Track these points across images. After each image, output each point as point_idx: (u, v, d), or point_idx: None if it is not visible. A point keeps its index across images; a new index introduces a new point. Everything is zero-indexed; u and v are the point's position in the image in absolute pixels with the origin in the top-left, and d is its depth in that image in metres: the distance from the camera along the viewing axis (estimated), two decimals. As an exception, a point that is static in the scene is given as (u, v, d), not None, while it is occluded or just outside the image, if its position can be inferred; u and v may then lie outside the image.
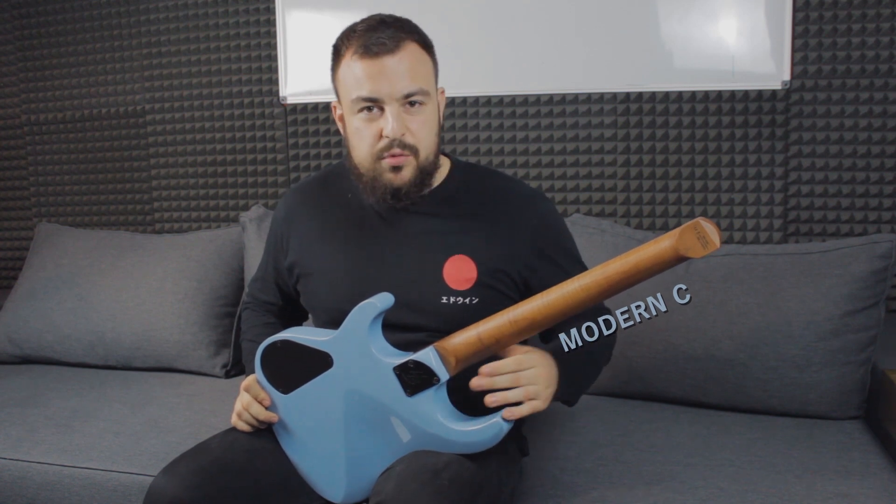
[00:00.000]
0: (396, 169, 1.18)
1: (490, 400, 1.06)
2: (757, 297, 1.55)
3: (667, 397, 1.63)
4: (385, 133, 1.15)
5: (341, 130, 1.26)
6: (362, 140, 1.18)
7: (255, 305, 1.44)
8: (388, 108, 1.15)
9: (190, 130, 2.36)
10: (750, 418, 1.53)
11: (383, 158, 1.17)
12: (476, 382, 1.07)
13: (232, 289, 2.02)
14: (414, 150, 1.17)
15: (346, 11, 2.10)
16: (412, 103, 1.16)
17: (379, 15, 1.19)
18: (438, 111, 1.23)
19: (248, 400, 1.21)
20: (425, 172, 1.20)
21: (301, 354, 1.17)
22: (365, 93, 1.15)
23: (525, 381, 1.07)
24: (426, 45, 1.20)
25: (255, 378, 1.22)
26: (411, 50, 1.16)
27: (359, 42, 1.15)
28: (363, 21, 1.18)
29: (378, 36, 1.14)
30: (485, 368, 1.07)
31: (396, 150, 1.16)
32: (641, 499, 1.23)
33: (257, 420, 1.21)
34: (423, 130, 1.18)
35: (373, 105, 1.15)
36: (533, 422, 1.53)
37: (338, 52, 1.19)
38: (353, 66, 1.15)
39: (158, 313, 1.96)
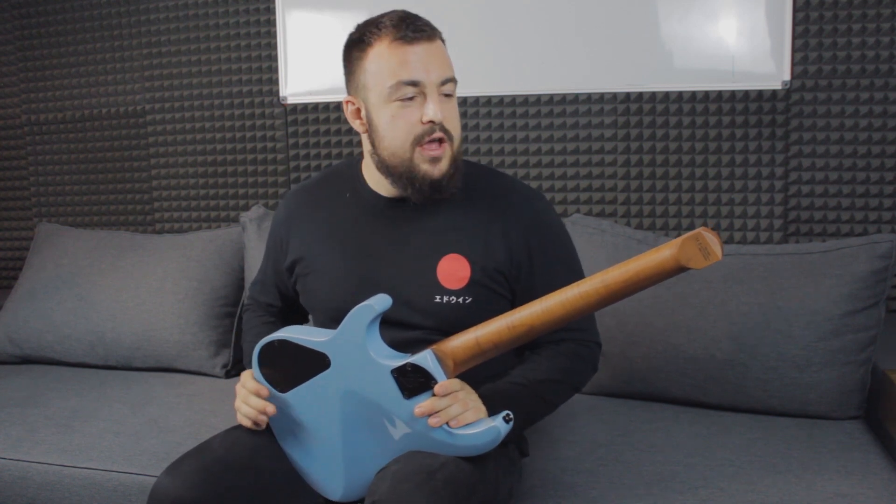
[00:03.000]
0: (435, 160, 1.17)
1: (434, 421, 1.06)
2: (757, 297, 1.55)
3: (667, 397, 1.63)
4: (429, 118, 1.15)
5: (357, 127, 1.24)
6: (398, 128, 1.17)
7: (255, 307, 1.45)
8: (429, 94, 1.15)
9: (190, 130, 2.36)
10: (750, 418, 1.53)
11: (421, 146, 1.16)
12: (419, 412, 1.07)
13: (232, 289, 2.02)
14: (451, 137, 1.18)
15: (346, 11, 2.10)
16: (446, 94, 1.17)
17: (404, 11, 1.19)
18: None
19: (244, 394, 1.21)
20: (456, 164, 1.21)
21: (298, 354, 1.17)
22: (406, 76, 1.14)
23: (469, 405, 1.08)
24: (444, 44, 1.22)
25: (252, 373, 1.23)
26: (441, 43, 1.19)
27: (395, 31, 1.15)
28: (384, 16, 1.18)
29: (415, 24, 1.16)
30: (424, 405, 1.07)
31: (438, 135, 1.16)
32: (641, 499, 1.23)
33: (257, 411, 1.20)
34: (454, 119, 1.19)
35: (412, 90, 1.15)
36: (533, 422, 1.54)
37: (363, 43, 1.18)
38: (390, 53, 1.15)
39: (158, 313, 1.96)
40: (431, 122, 1.15)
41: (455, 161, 1.20)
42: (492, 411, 1.10)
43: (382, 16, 1.18)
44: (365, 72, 1.18)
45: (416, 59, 1.14)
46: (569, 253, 1.29)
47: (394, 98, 1.15)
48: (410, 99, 1.15)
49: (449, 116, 1.17)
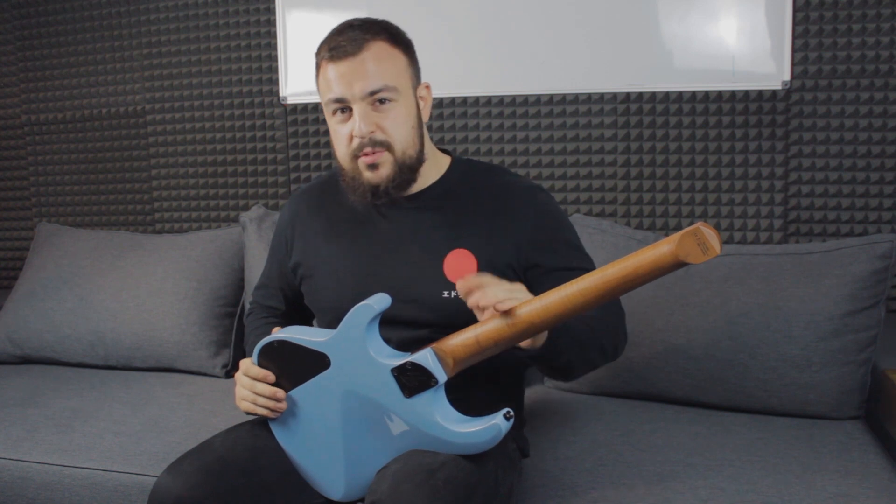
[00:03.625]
0: (373, 167, 1.20)
1: (474, 299, 1.05)
2: (757, 297, 1.55)
3: (667, 397, 1.63)
4: (353, 133, 1.19)
5: None
6: (337, 142, 1.23)
7: (259, 310, 1.45)
8: (355, 109, 1.18)
9: (190, 130, 2.36)
10: (750, 418, 1.53)
11: (358, 157, 1.20)
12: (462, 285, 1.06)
13: (232, 289, 2.02)
14: (387, 146, 1.20)
15: (345, 11, 2.09)
16: (381, 101, 1.19)
17: (349, 20, 1.23)
18: (417, 107, 1.25)
19: (249, 382, 1.20)
20: (406, 167, 1.22)
21: (298, 355, 1.17)
22: (332, 95, 1.19)
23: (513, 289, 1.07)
24: (398, 43, 1.22)
25: (251, 360, 1.22)
26: (376, 49, 1.19)
27: (324, 50, 1.20)
28: (334, 27, 1.23)
29: (340, 39, 1.19)
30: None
31: (368, 149, 1.19)
32: (642, 498, 1.23)
33: (264, 396, 1.19)
34: (394, 127, 1.20)
35: (343, 107, 1.19)
36: (533, 422, 1.54)
37: (316, 62, 1.24)
38: (324, 72, 1.21)
39: (158, 313, 1.96)
40: (357, 137, 1.18)
41: (401, 166, 1.21)
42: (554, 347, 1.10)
43: (333, 28, 1.23)
44: (318, 87, 1.24)
45: (339, 77, 1.18)
46: (575, 239, 1.31)
47: (330, 113, 1.22)
48: (343, 112, 1.20)
49: (385, 125, 1.19)
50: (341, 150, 1.23)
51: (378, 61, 1.18)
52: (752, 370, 1.53)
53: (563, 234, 1.29)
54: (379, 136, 1.19)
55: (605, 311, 1.23)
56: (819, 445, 1.40)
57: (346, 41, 1.18)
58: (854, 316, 1.50)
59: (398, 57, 1.22)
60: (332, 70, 1.19)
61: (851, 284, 1.51)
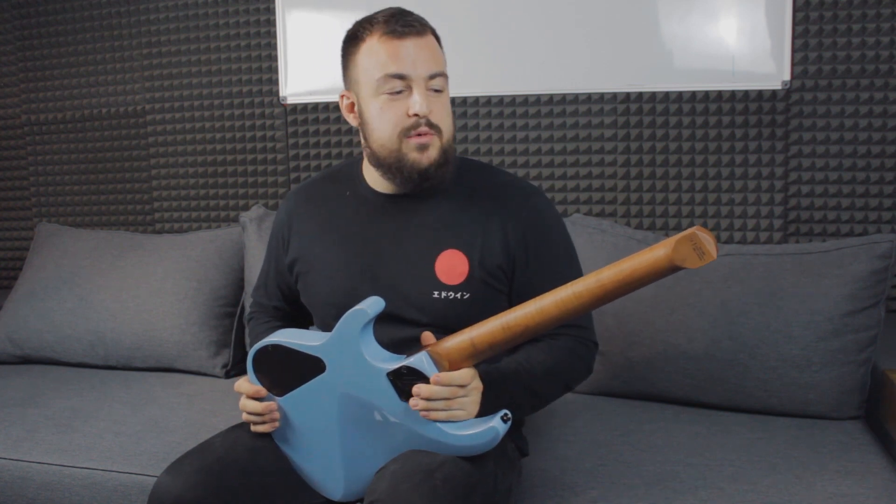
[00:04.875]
0: (423, 148, 1.18)
1: (422, 413, 1.07)
2: (757, 297, 1.55)
3: (667, 397, 1.63)
4: (414, 111, 1.16)
5: (351, 120, 1.26)
6: (385, 121, 1.18)
7: (260, 314, 1.45)
8: (416, 87, 1.17)
9: (190, 130, 2.36)
10: (750, 418, 1.53)
11: (409, 137, 1.18)
12: (413, 403, 1.06)
13: (232, 289, 2.02)
14: (438, 131, 1.19)
15: (346, 11, 2.09)
16: (435, 89, 1.19)
17: (394, 7, 1.21)
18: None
19: (242, 401, 1.22)
20: (448, 154, 1.22)
21: (293, 359, 1.17)
22: (394, 70, 1.16)
23: (457, 406, 1.07)
24: (439, 40, 1.24)
25: (247, 377, 1.23)
26: (432, 38, 1.20)
27: (385, 26, 1.17)
28: (379, 12, 1.21)
29: (406, 19, 1.18)
30: (423, 390, 1.06)
31: (424, 129, 1.17)
32: (641, 499, 1.23)
33: (258, 414, 1.21)
34: (444, 114, 1.20)
35: (399, 84, 1.16)
36: (533, 422, 1.54)
37: (356, 39, 1.20)
38: (379, 47, 1.17)
39: (158, 313, 1.96)
40: (417, 115, 1.16)
41: (445, 153, 1.21)
42: (482, 406, 1.09)
43: (377, 12, 1.21)
44: (357, 66, 1.21)
45: (404, 53, 1.16)
46: (567, 249, 1.28)
47: (382, 91, 1.17)
48: (398, 92, 1.17)
49: (437, 111, 1.19)
50: (388, 129, 1.18)
51: (435, 48, 1.20)
52: (752, 370, 1.53)
53: (554, 241, 1.26)
54: (434, 118, 1.18)
55: (556, 355, 1.22)
56: (819, 445, 1.40)
57: (412, 20, 1.18)
58: (854, 316, 1.50)
59: (442, 52, 1.23)
60: (393, 47, 1.16)
61: (851, 284, 1.51)
